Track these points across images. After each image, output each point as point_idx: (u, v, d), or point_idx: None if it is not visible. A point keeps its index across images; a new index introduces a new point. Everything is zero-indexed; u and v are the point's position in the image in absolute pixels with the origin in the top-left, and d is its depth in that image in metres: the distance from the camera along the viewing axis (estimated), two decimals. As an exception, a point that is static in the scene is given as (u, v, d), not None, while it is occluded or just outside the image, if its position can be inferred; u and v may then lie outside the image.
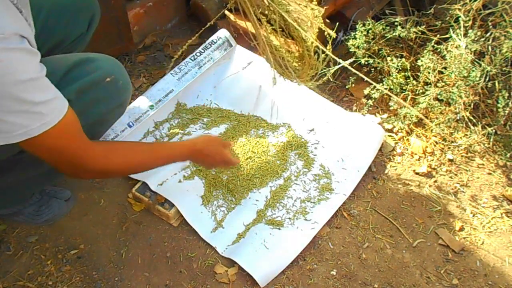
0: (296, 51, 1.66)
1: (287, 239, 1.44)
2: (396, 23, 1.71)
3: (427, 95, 1.63)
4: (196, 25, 2.08)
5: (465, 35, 1.57)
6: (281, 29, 1.54)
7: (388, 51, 1.75)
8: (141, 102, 1.69)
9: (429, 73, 1.63)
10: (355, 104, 1.84)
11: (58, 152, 0.93)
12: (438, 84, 1.62)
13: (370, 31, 1.74)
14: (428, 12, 1.74)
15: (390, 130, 1.75)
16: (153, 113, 1.68)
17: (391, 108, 1.73)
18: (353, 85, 1.82)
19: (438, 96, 1.63)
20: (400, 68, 1.72)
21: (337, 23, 1.75)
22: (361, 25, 1.75)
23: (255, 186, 1.55)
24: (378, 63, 1.74)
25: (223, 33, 1.81)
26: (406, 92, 1.71)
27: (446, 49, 1.61)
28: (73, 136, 0.93)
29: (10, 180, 1.22)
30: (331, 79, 1.83)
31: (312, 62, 1.40)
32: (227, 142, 1.42)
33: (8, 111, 0.80)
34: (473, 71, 1.54)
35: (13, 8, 0.84)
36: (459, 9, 1.58)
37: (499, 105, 1.54)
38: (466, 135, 1.66)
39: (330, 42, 1.37)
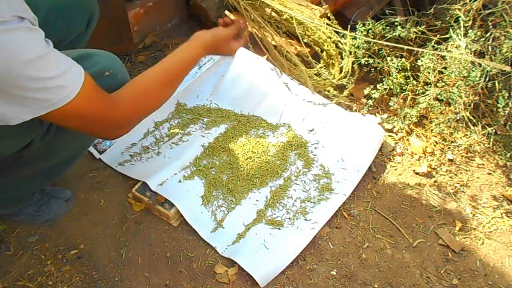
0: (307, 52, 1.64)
1: (287, 239, 1.44)
2: (396, 23, 1.71)
3: (427, 95, 1.63)
4: (196, 25, 2.08)
5: (465, 35, 1.57)
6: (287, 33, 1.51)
7: (388, 51, 1.75)
8: (141, 102, 1.69)
9: (429, 73, 1.63)
10: (355, 104, 1.84)
11: (87, 117, 0.94)
12: (438, 84, 1.62)
13: (370, 31, 1.74)
14: (428, 12, 1.74)
15: (390, 130, 1.75)
16: (153, 113, 1.68)
17: (391, 108, 1.73)
18: (353, 85, 1.82)
19: (438, 96, 1.63)
20: (400, 68, 1.72)
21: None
22: (361, 25, 1.75)
23: (255, 186, 1.55)
24: (378, 63, 1.74)
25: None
26: (406, 92, 1.71)
27: (446, 49, 1.61)
28: (97, 99, 0.95)
29: (10, 178, 1.22)
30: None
31: (338, 60, 1.39)
32: (231, 32, 1.31)
33: (27, 90, 0.81)
34: (473, 71, 1.54)
35: None
36: (459, 9, 1.58)
37: (499, 105, 1.54)
38: (466, 135, 1.66)
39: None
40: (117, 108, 1.00)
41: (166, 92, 1.18)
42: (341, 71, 1.73)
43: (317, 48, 1.43)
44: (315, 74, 1.69)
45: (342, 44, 1.30)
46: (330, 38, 1.56)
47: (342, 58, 1.57)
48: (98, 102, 0.95)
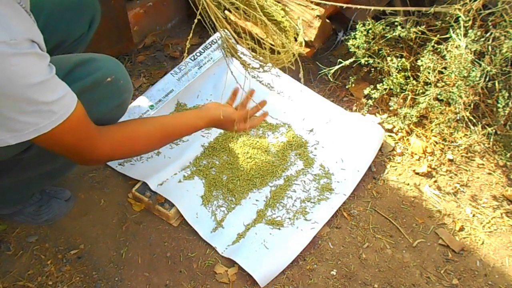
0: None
1: (287, 239, 1.44)
2: (396, 23, 1.71)
3: (427, 95, 1.63)
4: (196, 24, 2.08)
5: (465, 35, 1.57)
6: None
7: (388, 51, 1.75)
8: (141, 102, 1.70)
9: (429, 73, 1.63)
10: (355, 104, 1.84)
11: (68, 145, 0.96)
12: (438, 84, 1.62)
13: (370, 31, 1.74)
14: (428, 12, 1.74)
15: (390, 130, 1.75)
16: (153, 113, 1.68)
17: (391, 108, 1.73)
18: (353, 85, 1.82)
19: (438, 96, 1.63)
20: (400, 68, 1.72)
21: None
22: (361, 25, 1.75)
23: (255, 186, 1.55)
24: (378, 63, 1.74)
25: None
26: (406, 92, 1.71)
27: (446, 49, 1.61)
28: (82, 129, 0.97)
29: (10, 180, 1.22)
30: (331, 79, 1.83)
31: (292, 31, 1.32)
32: (240, 115, 1.42)
33: (21, 112, 0.83)
34: (473, 71, 1.54)
35: (23, 12, 0.85)
36: (459, 9, 1.58)
37: (499, 105, 1.54)
38: (466, 135, 1.66)
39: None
40: (98, 143, 1.02)
41: (153, 146, 1.24)
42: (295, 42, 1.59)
43: (270, 23, 1.32)
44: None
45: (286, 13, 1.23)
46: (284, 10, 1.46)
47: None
48: (80, 133, 0.97)
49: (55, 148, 0.96)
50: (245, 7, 1.10)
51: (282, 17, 1.22)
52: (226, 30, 1.14)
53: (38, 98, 0.83)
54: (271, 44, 1.17)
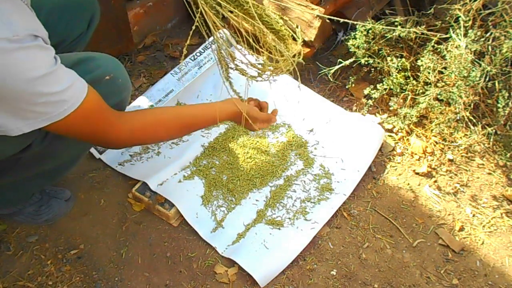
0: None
1: (287, 239, 1.44)
2: (396, 23, 1.71)
3: (427, 95, 1.63)
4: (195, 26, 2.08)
5: (465, 35, 1.57)
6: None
7: (388, 51, 1.75)
8: (141, 102, 1.70)
9: (429, 73, 1.63)
10: (355, 104, 1.84)
11: (84, 131, 0.97)
12: (438, 84, 1.62)
13: (370, 31, 1.74)
14: (428, 12, 1.74)
15: (390, 130, 1.75)
16: (153, 113, 1.68)
17: (391, 108, 1.73)
18: (353, 85, 1.82)
19: (438, 96, 1.63)
20: (400, 68, 1.72)
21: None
22: (361, 25, 1.75)
23: (255, 186, 1.55)
24: (378, 63, 1.74)
25: (223, 33, 1.80)
26: (406, 92, 1.71)
27: (446, 49, 1.61)
28: (97, 115, 0.97)
29: (10, 180, 1.22)
30: (331, 79, 1.83)
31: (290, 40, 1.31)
32: (262, 118, 1.37)
33: (29, 104, 0.84)
34: (473, 71, 1.54)
35: (25, 8, 0.85)
36: (459, 9, 1.58)
37: (499, 105, 1.54)
38: (466, 135, 1.66)
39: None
40: (115, 128, 1.03)
41: (172, 136, 1.25)
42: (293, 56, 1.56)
43: (267, 30, 1.30)
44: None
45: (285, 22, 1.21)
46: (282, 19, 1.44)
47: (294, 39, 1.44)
48: (95, 119, 0.97)
49: (72, 134, 0.97)
50: (244, 16, 1.10)
51: (281, 26, 1.21)
52: (223, 36, 1.14)
53: (43, 90, 0.83)
54: (269, 53, 1.17)
